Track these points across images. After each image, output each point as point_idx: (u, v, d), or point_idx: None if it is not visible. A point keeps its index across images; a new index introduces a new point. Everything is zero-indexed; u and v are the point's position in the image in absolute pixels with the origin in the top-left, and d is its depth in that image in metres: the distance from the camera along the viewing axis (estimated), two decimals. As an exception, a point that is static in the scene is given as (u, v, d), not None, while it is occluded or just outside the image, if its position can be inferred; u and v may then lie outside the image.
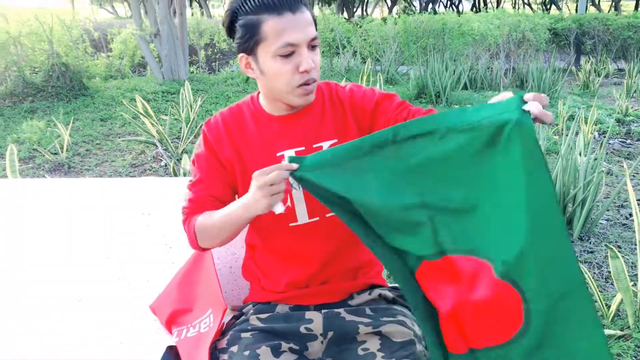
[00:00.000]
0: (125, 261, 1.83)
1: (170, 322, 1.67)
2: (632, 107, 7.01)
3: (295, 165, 1.22)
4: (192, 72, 9.37)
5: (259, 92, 1.53)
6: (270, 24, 1.31)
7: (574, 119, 6.38)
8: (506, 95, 1.14)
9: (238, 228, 1.38)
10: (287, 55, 1.34)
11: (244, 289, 1.80)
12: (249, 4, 1.33)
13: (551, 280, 1.12)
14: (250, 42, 1.35)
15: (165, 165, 5.06)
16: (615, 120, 6.48)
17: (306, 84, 1.37)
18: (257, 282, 1.59)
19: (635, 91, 8.11)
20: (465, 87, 8.29)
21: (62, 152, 5.26)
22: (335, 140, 1.47)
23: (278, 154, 1.46)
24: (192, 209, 1.46)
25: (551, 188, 1.09)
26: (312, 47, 1.36)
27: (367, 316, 1.47)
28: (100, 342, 1.64)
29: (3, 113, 6.82)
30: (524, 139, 1.08)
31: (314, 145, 1.46)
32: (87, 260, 1.85)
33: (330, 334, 1.46)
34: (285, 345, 1.40)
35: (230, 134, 1.49)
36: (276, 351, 1.38)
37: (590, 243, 3.29)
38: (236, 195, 1.52)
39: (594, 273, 2.95)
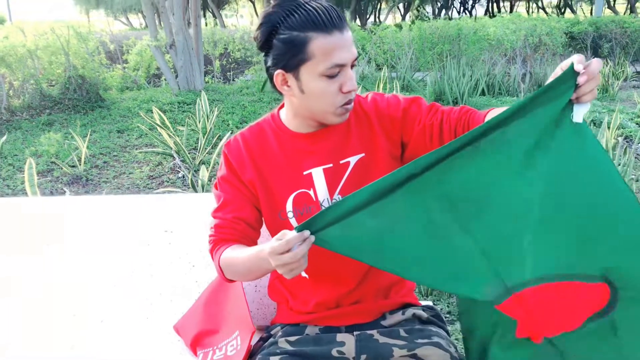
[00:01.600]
0: (147, 280, 1.78)
1: (195, 344, 1.62)
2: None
3: (307, 234, 1.13)
4: (208, 82, 9.38)
5: (279, 109, 1.47)
6: (319, 43, 1.25)
7: (594, 123, 6.27)
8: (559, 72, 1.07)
9: (264, 273, 1.33)
10: (333, 76, 1.28)
11: (270, 308, 1.74)
12: (293, 19, 1.25)
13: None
14: (293, 60, 1.28)
15: (183, 177, 5.04)
16: (637, 124, 6.35)
17: (348, 103, 1.33)
18: (284, 303, 1.54)
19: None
20: (482, 93, 8.20)
21: (80, 164, 5.26)
22: (363, 155, 1.41)
23: (305, 172, 1.41)
24: (219, 237, 1.39)
25: (616, 173, 1.06)
26: (352, 67, 1.31)
27: (402, 338, 1.41)
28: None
29: (21, 126, 6.86)
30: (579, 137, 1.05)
31: (341, 161, 1.41)
32: (109, 279, 1.81)
33: (363, 357, 1.40)
34: (315, 369, 1.35)
35: (251, 154, 1.43)
36: (306, 375, 1.33)
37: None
38: (262, 218, 1.46)
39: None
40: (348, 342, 1.42)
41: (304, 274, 1.29)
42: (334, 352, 1.40)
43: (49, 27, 7.88)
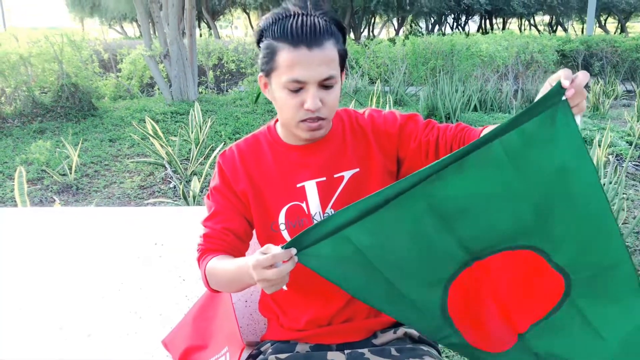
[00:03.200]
0: (136, 293, 1.76)
1: (184, 359, 1.60)
2: (645, 130, 6.93)
3: (293, 252, 1.12)
4: (201, 92, 9.38)
5: (276, 121, 1.48)
6: (284, 56, 1.27)
7: (585, 141, 6.31)
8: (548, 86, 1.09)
9: (246, 286, 1.32)
10: (295, 91, 1.29)
11: (260, 323, 1.72)
12: (274, 27, 1.29)
13: (592, 253, 1.17)
14: (267, 66, 1.32)
15: (174, 188, 5.02)
16: (627, 142, 6.40)
17: (311, 120, 1.32)
18: (275, 319, 1.52)
19: (646, 113, 8.03)
20: (475, 109, 8.25)
21: (70, 173, 5.22)
22: (357, 170, 1.41)
23: (298, 185, 1.40)
24: (207, 246, 1.39)
25: (592, 168, 1.09)
26: (324, 87, 1.30)
27: (393, 357, 1.39)
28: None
29: (12, 133, 6.81)
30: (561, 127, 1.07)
31: (335, 175, 1.40)
32: (97, 292, 1.78)
33: (353, 376, 1.39)
34: (307, 388, 1.33)
35: (245, 165, 1.43)
36: (298, 394, 1.31)
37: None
38: (253, 231, 1.46)
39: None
40: (339, 360, 1.40)
41: (284, 287, 1.29)
42: (324, 371, 1.39)
43: (43, 34, 7.85)
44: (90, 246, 1.82)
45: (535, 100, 1.09)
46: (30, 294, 1.81)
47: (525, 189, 1.13)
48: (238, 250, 1.40)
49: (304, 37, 1.25)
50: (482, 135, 1.13)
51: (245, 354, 1.53)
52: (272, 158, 1.43)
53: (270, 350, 1.46)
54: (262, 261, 1.09)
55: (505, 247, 1.21)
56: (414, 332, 1.48)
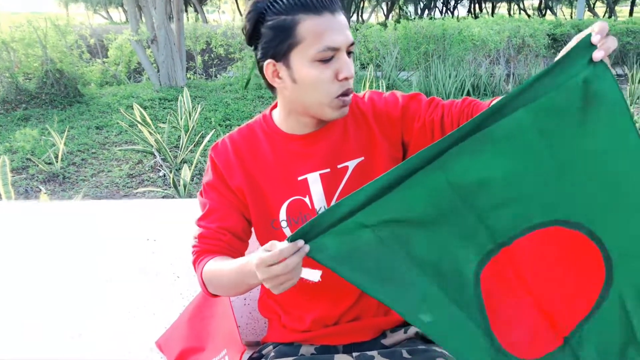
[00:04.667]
0: (129, 292, 1.66)
1: (180, 362, 1.51)
2: (636, 114, 6.88)
3: (300, 243, 1.01)
4: (189, 78, 9.21)
5: (271, 109, 1.37)
6: (308, 25, 1.15)
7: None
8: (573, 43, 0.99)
9: (249, 288, 1.21)
10: (327, 61, 1.18)
11: (261, 322, 1.63)
12: (280, 3, 1.17)
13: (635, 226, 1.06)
14: (282, 46, 1.18)
15: (164, 176, 4.90)
16: None
17: (345, 94, 1.21)
18: (276, 320, 1.43)
19: (638, 97, 8.00)
20: (468, 94, 8.17)
21: (56, 161, 5.08)
22: (362, 159, 1.31)
23: (300, 178, 1.30)
24: (202, 247, 1.28)
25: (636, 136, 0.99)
26: (348, 54, 1.21)
27: (404, 359, 1.31)
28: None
29: (-5, 121, 6.64)
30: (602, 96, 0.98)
31: (339, 166, 1.30)
32: (88, 290, 1.68)
33: (362, 381, 1.30)
34: (313, 395, 1.25)
35: (241, 158, 1.32)
36: (303, 402, 1.23)
37: None
38: (252, 228, 1.35)
39: None
40: (346, 364, 1.32)
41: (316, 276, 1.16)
42: (332, 376, 1.30)
43: (26, 18, 7.63)
44: (79, 242, 1.72)
45: (560, 55, 0.98)
46: (17, 293, 1.71)
47: (557, 162, 1.04)
48: (237, 250, 1.30)
49: (323, 2, 1.16)
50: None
51: (246, 356, 1.44)
52: (269, 149, 1.32)
53: (272, 354, 1.37)
54: (267, 259, 0.99)
55: (531, 226, 1.09)
56: (425, 331, 1.40)
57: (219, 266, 1.20)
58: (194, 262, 1.28)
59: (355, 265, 1.07)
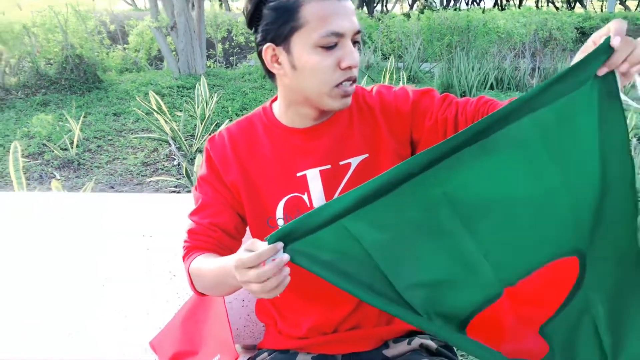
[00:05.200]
0: (122, 290, 1.59)
1: (172, 366, 1.44)
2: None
3: (279, 246, 0.93)
4: (209, 66, 9.15)
5: (272, 101, 1.29)
6: (313, 8, 1.08)
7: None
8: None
9: (233, 289, 1.15)
10: (330, 48, 1.10)
11: (259, 325, 1.56)
12: None
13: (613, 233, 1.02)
14: (283, 29, 1.10)
15: (178, 165, 4.85)
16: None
17: (347, 83, 1.14)
18: (272, 325, 1.35)
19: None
20: (491, 87, 7.98)
21: (72, 148, 5.06)
22: (366, 156, 1.22)
23: (299, 174, 1.22)
24: (192, 243, 1.22)
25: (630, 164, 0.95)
26: (354, 43, 1.13)
27: (407, 373, 1.22)
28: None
29: (15, 105, 6.65)
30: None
31: (341, 163, 1.22)
32: (79, 288, 1.61)
33: (361, 395, 1.22)
34: (310, 408, 1.17)
35: (237, 152, 1.25)
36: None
37: None
38: (246, 226, 1.28)
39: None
40: (345, 376, 1.24)
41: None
42: (328, 388, 1.22)
43: (47, 3, 7.63)
44: (71, 237, 1.65)
45: (574, 61, 0.91)
46: (5, 289, 1.65)
47: (563, 179, 0.97)
48: (227, 247, 1.23)
49: None
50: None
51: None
52: (268, 143, 1.25)
53: (267, 362, 1.30)
54: (246, 261, 0.92)
55: (538, 264, 1.04)
56: (431, 343, 1.31)
57: (205, 264, 1.13)
58: (184, 258, 1.23)
59: (340, 269, 1.00)
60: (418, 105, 1.22)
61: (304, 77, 1.14)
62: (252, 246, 0.94)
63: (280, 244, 0.93)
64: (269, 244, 0.93)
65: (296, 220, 0.95)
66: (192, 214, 1.25)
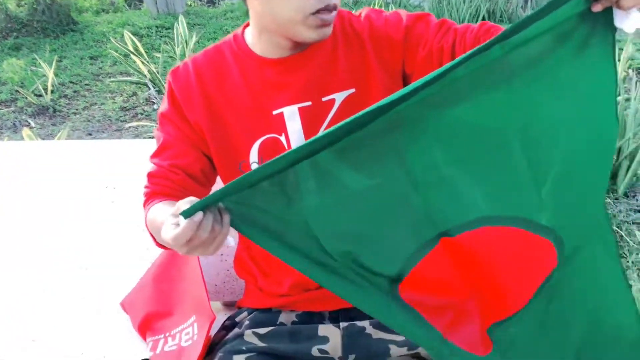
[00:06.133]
0: (87, 247, 1.45)
1: (145, 327, 1.32)
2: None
3: (198, 217, 0.81)
4: (190, 5, 8.76)
5: (245, 27, 1.12)
6: None
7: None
8: None
9: None
10: None
11: (239, 281, 1.42)
12: None
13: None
14: None
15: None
16: (647, 55, 5.96)
17: (325, 11, 0.97)
18: (253, 282, 1.22)
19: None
20: (483, 19, 7.74)
21: (46, 93, 4.83)
22: (353, 91, 1.07)
23: (275, 112, 1.07)
24: (152, 188, 1.08)
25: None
26: None
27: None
28: (54, 351, 1.28)
29: (-15, 50, 6.34)
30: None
31: (324, 99, 1.07)
32: (39, 245, 1.46)
33: (352, 357, 1.11)
34: (292, 373, 1.06)
35: (203, 86, 1.09)
36: (281, 381, 1.04)
37: (638, 200, 2.90)
38: (214, 170, 1.13)
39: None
40: (333, 337, 1.12)
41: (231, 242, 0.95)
42: (315, 351, 1.11)
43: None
44: (31, 189, 1.49)
45: None
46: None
47: (533, 130, 0.87)
48: (192, 193, 1.07)
49: None
50: None
51: (222, 318, 1.25)
52: (239, 76, 1.09)
53: (247, 323, 1.17)
54: (171, 219, 0.83)
55: (483, 217, 0.93)
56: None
57: (160, 214, 0.98)
58: (144, 206, 1.08)
59: (276, 234, 0.89)
60: (411, 32, 1.06)
61: (275, 3, 0.98)
62: (176, 209, 0.82)
63: (200, 214, 0.81)
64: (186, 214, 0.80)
65: (237, 180, 0.83)
66: (153, 155, 1.11)
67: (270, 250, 0.89)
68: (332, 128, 0.81)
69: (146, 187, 1.09)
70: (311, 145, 0.81)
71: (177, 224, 0.80)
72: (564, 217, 0.93)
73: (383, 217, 0.92)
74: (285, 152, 0.82)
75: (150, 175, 1.09)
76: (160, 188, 1.07)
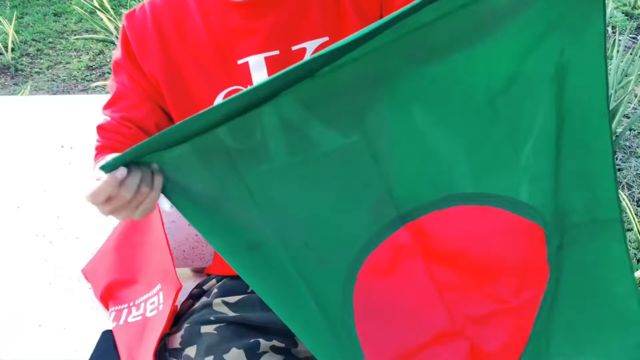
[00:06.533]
0: (44, 212, 1.35)
1: (107, 296, 1.24)
2: (642, -1, 6.44)
3: (121, 173, 0.71)
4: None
5: None
6: None
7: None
8: None
9: None
10: None
11: (209, 246, 1.34)
12: None
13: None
14: None
15: (127, 68, 4.48)
16: (623, 14, 5.93)
17: None
18: (222, 247, 1.14)
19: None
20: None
21: (7, 52, 4.61)
22: (326, 39, 0.99)
23: (239, 62, 0.98)
24: (103, 142, 1.00)
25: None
26: None
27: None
28: (8, 323, 1.20)
29: (-59, 7, 6.03)
30: None
31: (294, 48, 0.99)
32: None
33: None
34: (265, 344, 1.00)
35: (161, 32, 1.00)
36: (253, 353, 0.98)
37: (616, 159, 2.88)
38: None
39: (626, 195, 2.55)
40: (308, 305, 1.05)
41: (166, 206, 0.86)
42: (289, 320, 1.03)
43: None
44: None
45: None
46: None
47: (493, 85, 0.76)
48: None
49: None
50: None
51: (191, 286, 1.17)
52: (201, 22, 0.99)
53: (216, 291, 1.10)
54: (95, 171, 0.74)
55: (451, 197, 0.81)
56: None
57: None
58: (94, 161, 0.99)
59: (210, 209, 0.77)
60: None
61: None
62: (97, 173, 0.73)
63: (123, 170, 0.71)
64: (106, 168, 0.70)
65: (166, 131, 0.71)
66: (105, 106, 1.03)
67: (200, 229, 0.78)
68: (297, 64, 0.68)
69: (97, 140, 1.01)
70: (275, 82, 0.69)
71: (99, 179, 0.71)
72: (565, 192, 0.82)
73: (344, 187, 0.80)
74: (243, 91, 0.69)
75: (100, 128, 1.01)
76: (110, 142, 0.98)
